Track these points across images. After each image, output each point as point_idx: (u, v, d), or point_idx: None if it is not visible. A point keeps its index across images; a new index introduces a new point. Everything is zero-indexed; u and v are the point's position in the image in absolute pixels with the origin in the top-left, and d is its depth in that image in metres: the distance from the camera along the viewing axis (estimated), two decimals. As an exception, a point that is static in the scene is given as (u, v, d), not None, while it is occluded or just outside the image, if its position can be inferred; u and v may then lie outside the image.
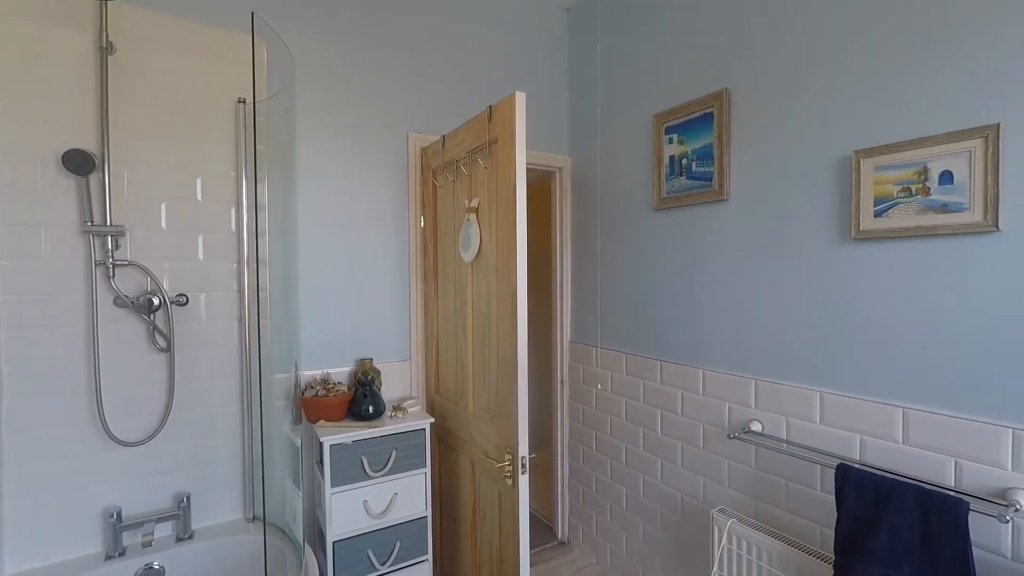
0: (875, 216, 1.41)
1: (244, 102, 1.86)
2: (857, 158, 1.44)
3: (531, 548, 2.57)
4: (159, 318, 1.75)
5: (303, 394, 1.90)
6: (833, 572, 1.39)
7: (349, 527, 1.76)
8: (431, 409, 2.23)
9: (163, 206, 1.75)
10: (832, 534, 1.51)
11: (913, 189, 1.34)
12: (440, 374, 2.19)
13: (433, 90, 2.28)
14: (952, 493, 1.23)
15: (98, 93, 1.64)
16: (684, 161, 1.98)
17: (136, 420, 1.73)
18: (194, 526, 1.80)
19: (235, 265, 1.88)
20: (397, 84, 2.19)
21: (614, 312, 2.37)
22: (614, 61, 2.37)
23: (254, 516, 1.90)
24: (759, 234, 1.74)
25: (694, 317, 1.97)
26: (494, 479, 1.73)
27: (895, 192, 1.37)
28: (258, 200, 1.85)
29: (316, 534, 1.93)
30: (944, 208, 1.29)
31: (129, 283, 1.70)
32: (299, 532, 1.80)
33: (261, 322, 1.85)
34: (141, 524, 1.69)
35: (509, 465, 1.59)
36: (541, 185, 3.24)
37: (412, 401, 2.08)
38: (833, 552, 1.41)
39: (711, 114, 1.87)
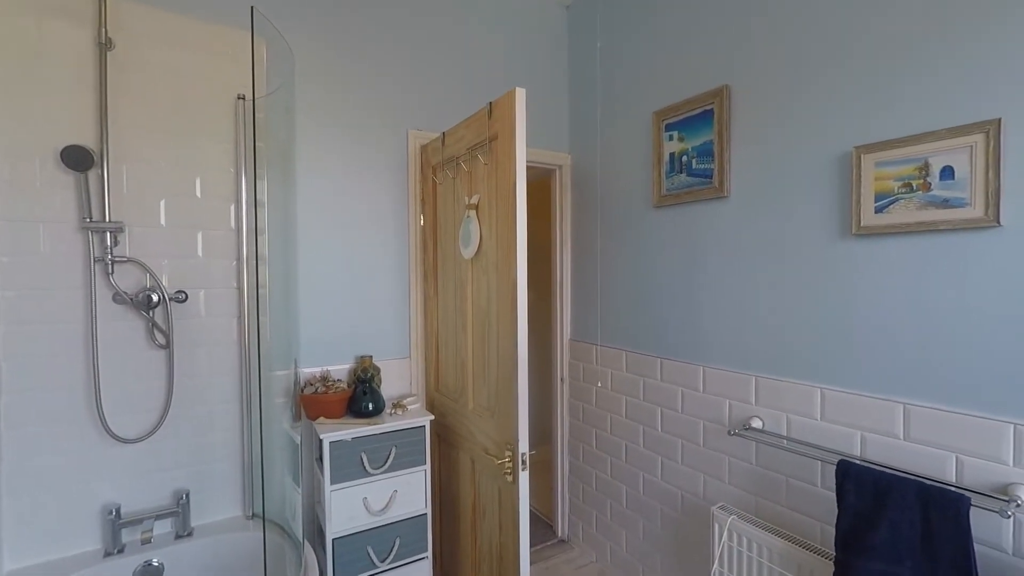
0: (876, 212, 1.41)
1: (244, 98, 1.85)
2: (858, 154, 1.44)
3: (531, 546, 2.56)
4: (158, 315, 1.75)
5: (303, 391, 1.90)
6: (834, 568, 1.38)
7: (349, 524, 1.76)
8: (431, 406, 2.23)
9: (162, 202, 1.75)
10: (832, 530, 1.50)
11: (914, 185, 1.34)
12: (440, 371, 2.19)
13: (433, 87, 2.28)
14: (953, 489, 1.23)
15: (97, 89, 1.63)
16: (684, 158, 1.98)
17: (135, 417, 1.72)
18: (193, 523, 1.80)
19: (234, 262, 1.87)
20: (397, 82, 2.19)
21: (614, 310, 2.37)
22: (614, 58, 2.36)
23: (253, 513, 1.89)
24: (760, 230, 1.74)
25: (694, 314, 1.97)
26: (494, 476, 1.73)
27: (896, 188, 1.37)
28: (257, 197, 1.85)
29: (316, 531, 1.93)
30: (945, 203, 1.28)
31: (128, 279, 1.70)
32: (299, 529, 1.80)
33: (260, 319, 1.84)
34: (140, 521, 1.69)
35: (509, 462, 1.59)
36: (541, 183, 3.23)
37: (412, 398, 2.08)
38: (834, 548, 1.41)
39: (711, 111, 1.86)
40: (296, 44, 1.95)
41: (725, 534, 1.71)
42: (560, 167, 2.64)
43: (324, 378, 1.95)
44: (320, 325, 2.04)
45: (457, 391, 2.02)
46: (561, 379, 2.70)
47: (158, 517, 1.72)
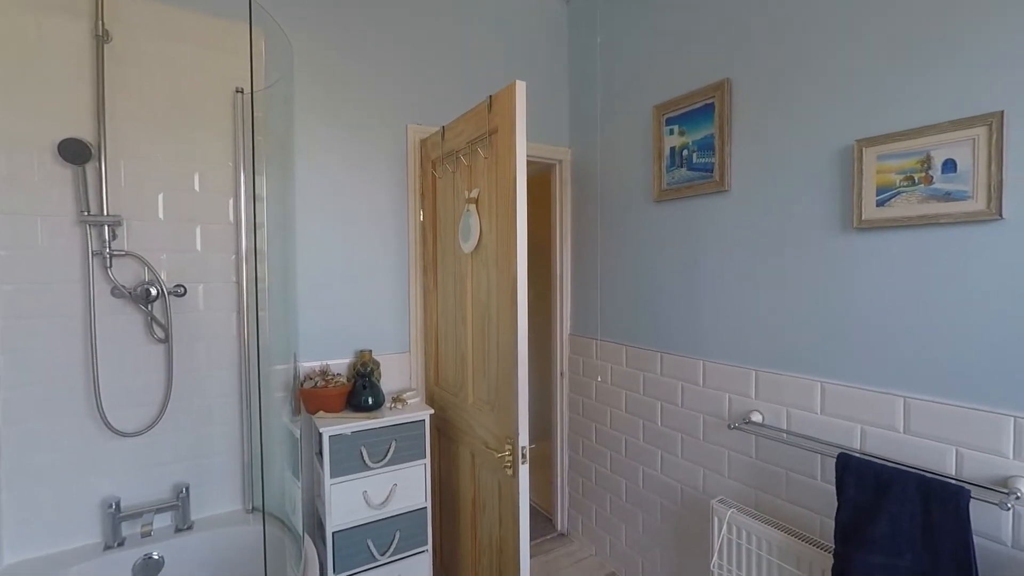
0: (877, 205, 1.41)
1: (242, 92, 1.84)
2: (859, 147, 1.43)
3: (531, 539, 2.57)
4: (157, 309, 1.74)
5: (302, 385, 1.90)
6: (833, 561, 1.39)
7: (349, 518, 1.76)
8: (431, 400, 2.23)
9: (160, 196, 1.74)
10: (832, 524, 1.51)
11: (916, 178, 1.33)
12: (440, 365, 2.19)
13: (432, 82, 2.26)
14: (953, 481, 1.23)
15: (94, 82, 1.62)
16: (685, 152, 1.97)
17: (134, 411, 1.72)
18: (193, 517, 1.80)
19: (233, 256, 1.87)
20: (396, 78, 2.17)
21: (614, 304, 2.36)
22: (614, 52, 2.35)
23: (253, 507, 1.90)
24: (760, 224, 1.73)
25: (695, 309, 1.97)
26: (494, 469, 1.73)
27: (898, 181, 1.36)
28: (256, 191, 1.84)
29: (316, 525, 1.93)
30: (947, 196, 1.28)
31: (126, 273, 1.69)
32: (298, 523, 1.80)
33: (260, 313, 1.84)
34: (140, 515, 1.69)
35: (509, 455, 1.59)
36: (541, 178, 3.23)
37: (412, 392, 2.08)
38: (833, 541, 1.41)
39: (712, 105, 1.85)
40: (294, 36, 1.94)
41: (724, 527, 1.71)
42: (560, 161, 2.63)
43: (324, 372, 1.95)
44: (319, 319, 2.04)
45: (457, 385, 2.02)
46: (561, 374, 2.70)
47: (158, 511, 1.72)
